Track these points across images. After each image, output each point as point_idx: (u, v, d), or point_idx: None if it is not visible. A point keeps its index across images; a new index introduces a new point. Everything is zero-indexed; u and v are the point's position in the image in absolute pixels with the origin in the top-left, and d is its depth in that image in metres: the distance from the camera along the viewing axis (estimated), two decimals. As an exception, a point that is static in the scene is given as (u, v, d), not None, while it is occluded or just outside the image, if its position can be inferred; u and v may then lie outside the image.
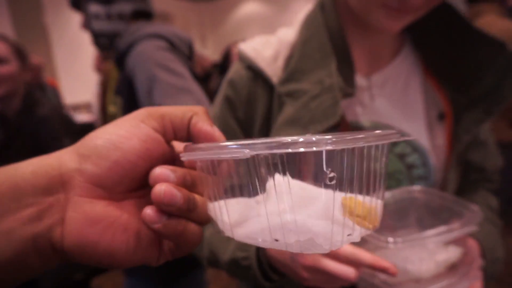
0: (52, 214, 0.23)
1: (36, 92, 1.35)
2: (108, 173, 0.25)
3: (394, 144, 0.56)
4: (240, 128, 0.59)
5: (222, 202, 0.26)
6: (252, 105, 0.57)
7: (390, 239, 0.39)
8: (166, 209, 0.24)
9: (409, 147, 0.57)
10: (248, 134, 0.59)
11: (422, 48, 0.62)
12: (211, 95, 1.01)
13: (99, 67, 2.83)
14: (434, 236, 0.40)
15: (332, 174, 0.20)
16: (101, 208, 0.25)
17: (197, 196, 0.26)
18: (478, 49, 0.56)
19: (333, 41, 0.55)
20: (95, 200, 0.25)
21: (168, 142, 0.28)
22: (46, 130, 1.26)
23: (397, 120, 0.58)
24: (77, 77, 6.08)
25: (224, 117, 0.59)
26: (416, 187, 0.53)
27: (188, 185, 0.26)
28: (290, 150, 0.20)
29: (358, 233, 0.23)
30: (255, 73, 0.57)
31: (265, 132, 0.57)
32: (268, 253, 0.47)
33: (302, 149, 0.20)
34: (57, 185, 0.24)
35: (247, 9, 13.01)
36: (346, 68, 0.54)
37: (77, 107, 5.42)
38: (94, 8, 1.05)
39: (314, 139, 0.20)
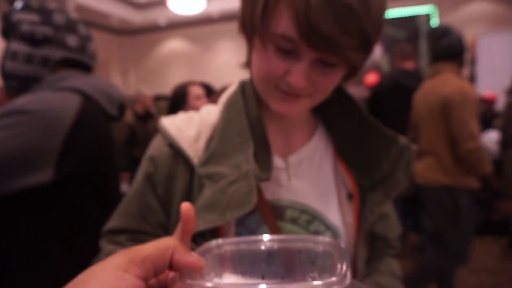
0: None
1: None
2: None
3: (310, 223, 0.60)
4: (160, 205, 0.59)
5: None
6: (172, 182, 0.58)
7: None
8: None
9: (323, 225, 0.60)
10: (167, 211, 0.59)
11: (332, 133, 0.67)
12: (149, 135, 1.01)
13: (1, 101, 2.57)
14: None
15: None
16: None
17: None
18: (376, 140, 0.62)
19: (252, 126, 0.58)
20: None
21: (147, 283, 0.28)
22: None
23: (312, 199, 0.61)
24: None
25: (144, 194, 0.59)
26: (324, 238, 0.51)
27: None
28: None
29: None
30: (177, 151, 0.58)
31: None
32: None
33: None
34: None
35: (172, 46, 13.09)
36: (264, 152, 0.57)
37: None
38: (16, 46, 0.96)
39: None
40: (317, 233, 0.60)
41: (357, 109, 0.64)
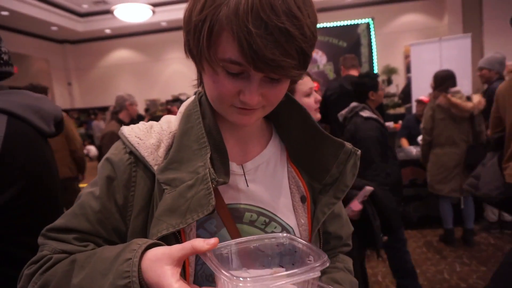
0: None
1: None
2: None
3: (267, 224, 0.64)
4: (118, 210, 0.59)
5: None
6: (131, 189, 0.59)
7: (241, 278, 0.42)
8: None
9: (279, 226, 0.65)
10: (124, 218, 0.59)
11: (285, 141, 0.72)
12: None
13: None
14: (283, 277, 0.43)
15: None
16: None
17: None
18: (325, 146, 0.67)
19: (209, 134, 0.61)
20: None
21: None
22: None
23: (268, 203, 0.65)
24: None
25: (103, 197, 0.59)
26: (283, 234, 0.56)
27: None
28: None
29: None
30: (137, 159, 0.60)
31: (144, 216, 0.59)
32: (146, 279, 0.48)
33: None
34: None
35: (118, 55, 12.68)
36: (221, 158, 0.60)
37: None
38: None
39: None
40: (274, 233, 0.62)
41: (308, 119, 0.69)
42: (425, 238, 3.42)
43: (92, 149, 11.32)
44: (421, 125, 3.33)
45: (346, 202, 1.90)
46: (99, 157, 4.45)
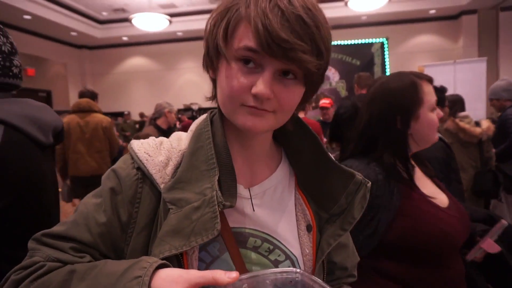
0: None
1: None
2: None
3: (271, 251, 0.62)
4: (120, 226, 0.58)
5: None
6: (136, 206, 0.58)
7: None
8: None
9: (283, 254, 0.63)
10: (126, 234, 0.58)
11: (294, 167, 0.71)
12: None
13: None
14: None
15: None
16: None
17: None
18: (335, 176, 0.66)
19: (219, 156, 0.60)
20: None
21: None
22: None
23: (273, 229, 0.64)
24: None
25: (107, 210, 0.58)
26: (296, 270, 0.55)
27: None
28: None
29: None
30: (144, 175, 0.59)
31: (147, 234, 0.58)
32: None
33: None
34: None
35: (134, 63, 12.91)
36: (229, 180, 0.59)
37: None
38: None
39: None
40: (277, 261, 0.63)
41: (319, 146, 0.68)
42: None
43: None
44: None
45: (471, 242, 1.31)
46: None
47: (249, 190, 0.64)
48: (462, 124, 2.90)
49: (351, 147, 1.23)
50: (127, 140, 9.50)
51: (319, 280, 0.53)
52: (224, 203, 0.55)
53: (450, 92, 5.54)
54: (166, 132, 3.34)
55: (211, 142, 0.61)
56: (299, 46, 0.49)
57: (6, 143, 0.84)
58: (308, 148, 0.69)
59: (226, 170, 0.60)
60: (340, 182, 0.66)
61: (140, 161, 0.59)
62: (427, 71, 5.71)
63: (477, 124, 2.94)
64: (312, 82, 0.57)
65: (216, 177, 0.58)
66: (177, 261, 0.55)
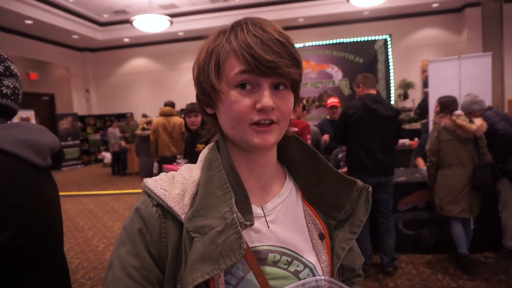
0: None
1: None
2: None
3: (290, 264, 0.65)
4: (155, 264, 0.60)
5: None
6: (163, 241, 0.60)
7: None
8: None
9: (301, 264, 0.66)
10: (163, 268, 0.60)
11: (298, 181, 0.75)
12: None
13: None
14: None
15: None
16: None
17: None
18: (338, 185, 0.71)
19: (230, 179, 0.64)
20: None
21: None
22: None
23: (289, 242, 0.67)
24: None
25: (140, 252, 0.59)
26: (322, 277, 0.59)
27: None
28: None
29: None
30: (164, 210, 0.61)
31: (176, 265, 0.60)
32: None
33: None
34: None
35: (136, 64, 12.91)
36: (243, 201, 0.63)
37: None
38: None
39: None
40: (297, 272, 0.65)
41: (319, 160, 0.73)
42: (441, 264, 3.31)
43: (107, 156, 11.52)
44: (427, 147, 3.33)
45: None
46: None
47: (262, 208, 0.68)
48: (459, 121, 3.08)
49: None
50: (127, 141, 9.53)
51: (340, 283, 0.56)
52: (245, 223, 0.59)
53: (455, 87, 5.48)
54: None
55: (222, 169, 0.65)
56: (282, 63, 0.57)
57: (2, 171, 0.83)
58: (308, 163, 0.74)
59: (238, 190, 0.63)
60: (343, 190, 0.71)
61: (158, 197, 0.61)
62: (432, 67, 5.65)
63: (471, 122, 3.14)
64: (297, 88, 0.65)
65: (233, 200, 0.61)
66: (206, 286, 0.57)
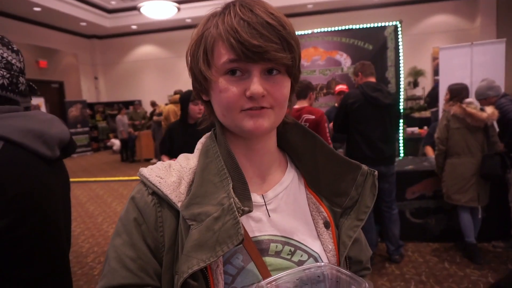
0: None
1: None
2: None
3: (293, 254, 0.63)
4: (152, 254, 0.59)
5: None
6: (160, 230, 0.59)
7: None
8: None
9: (305, 254, 0.64)
10: (159, 258, 0.59)
11: (301, 169, 0.73)
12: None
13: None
14: None
15: None
16: None
17: None
18: (342, 171, 0.68)
19: (228, 166, 0.62)
20: None
21: None
22: None
23: (292, 231, 0.65)
24: None
25: (137, 243, 0.58)
26: (324, 264, 0.57)
27: None
28: None
29: None
30: (160, 198, 0.60)
31: (173, 255, 0.59)
32: None
33: None
34: None
35: (144, 51, 12.88)
36: (242, 187, 0.60)
37: None
38: None
39: None
40: (300, 262, 0.63)
41: (323, 145, 0.70)
42: (448, 252, 3.32)
43: (116, 143, 11.63)
44: (435, 135, 3.27)
45: None
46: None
47: (263, 197, 0.66)
48: (469, 109, 3.01)
49: None
50: (136, 128, 9.59)
51: (344, 271, 0.54)
52: (243, 209, 0.56)
53: (467, 75, 5.37)
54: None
55: (219, 155, 0.63)
56: (270, 48, 0.54)
57: (5, 162, 0.82)
58: (311, 149, 0.71)
59: (236, 176, 0.61)
60: (348, 176, 0.68)
61: (153, 185, 0.60)
62: (443, 54, 5.54)
63: (482, 110, 3.06)
64: (294, 73, 0.61)
65: (231, 186, 0.59)
66: (203, 275, 0.55)
